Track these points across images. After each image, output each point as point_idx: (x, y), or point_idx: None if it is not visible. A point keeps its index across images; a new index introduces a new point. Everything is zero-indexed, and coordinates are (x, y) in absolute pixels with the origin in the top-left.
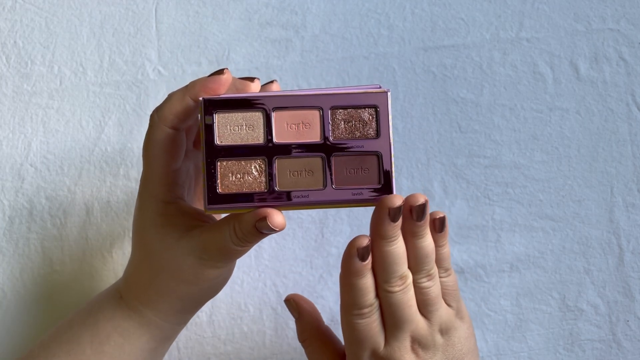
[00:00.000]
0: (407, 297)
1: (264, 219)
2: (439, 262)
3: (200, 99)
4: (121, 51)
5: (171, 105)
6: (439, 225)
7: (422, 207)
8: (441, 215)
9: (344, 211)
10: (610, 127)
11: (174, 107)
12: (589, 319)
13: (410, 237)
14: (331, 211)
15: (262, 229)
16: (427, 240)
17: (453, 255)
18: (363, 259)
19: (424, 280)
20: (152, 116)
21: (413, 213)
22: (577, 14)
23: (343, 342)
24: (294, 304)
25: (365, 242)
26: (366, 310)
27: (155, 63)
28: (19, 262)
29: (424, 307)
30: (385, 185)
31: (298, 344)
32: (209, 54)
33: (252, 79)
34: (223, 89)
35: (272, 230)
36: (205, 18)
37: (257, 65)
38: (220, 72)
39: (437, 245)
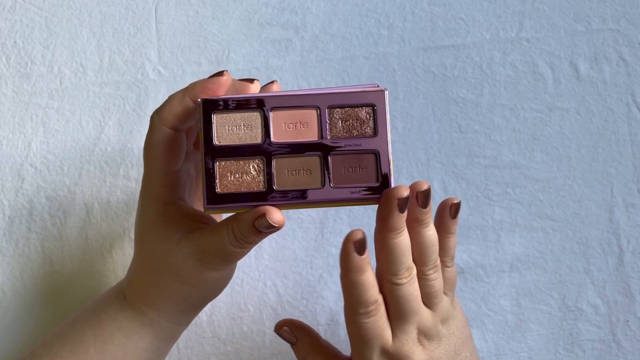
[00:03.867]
0: (413, 288)
1: (262, 216)
2: (447, 250)
3: (199, 99)
4: (121, 51)
5: (171, 106)
6: (454, 211)
7: (427, 193)
8: (457, 201)
9: (343, 211)
10: (610, 127)
11: (174, 108)
12: (589, 319)
13: (416, 226)
14: (331, 211)
15: (260, 227)
16: (432, 229)
17: None
18: (360, 252)
19: (431, 272)
20: (152, 117)
21: (419, 199)
22: (577, 14)
23: (341, 350)
24: (289, 331)
25: (359, 234)
26: (372, 307)
27: (155, 63)
28: (19, 262)
29: (429, 299)
30: (384, 183)
31: None
32: (209, 54)
33: (251, 80)
34: (222, 91)
35: (271, 228)
36: (205, 18)
37: (257, 66)
38: (219, 74)
39: (448, 232)
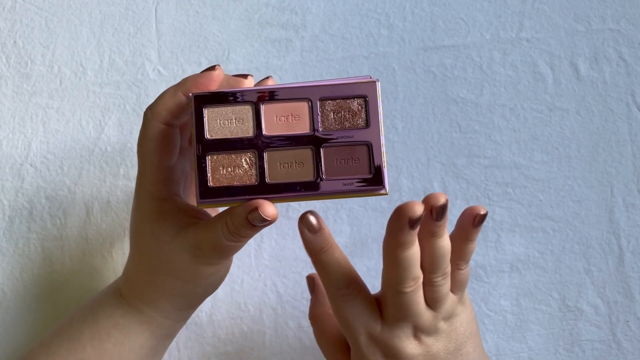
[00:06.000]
0: (417, 295)
1: (255, 209)
2: (464, 255)
3: (190, 94)
4: (121, 51)
5: (164, 101)
6: (478, 221)
7: (443, 207)
8: (484, 212)
9: (343, 211)
10: (610, 127)
11: (167, 103)
12: (589, 319)
13: (429, 237)
14: (331, 211)
15: (254, 221)
16: (445, 240)
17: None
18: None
19: (439, 279)
20: (145, 113)
21: (433, 213)
22: (577, 14)
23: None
24: (312, 282)
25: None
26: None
27: (155, 63)
28: (19, 262)
29: (433, 302)
30: (376, 175)
31: (298, 344)
32: (209, 54)
33: (245, 76)
34: (214, 85)
35: (264, 222)
36: (205, 18)
37: (257, 65)
38: (211, 68)
39: (468, 239)
